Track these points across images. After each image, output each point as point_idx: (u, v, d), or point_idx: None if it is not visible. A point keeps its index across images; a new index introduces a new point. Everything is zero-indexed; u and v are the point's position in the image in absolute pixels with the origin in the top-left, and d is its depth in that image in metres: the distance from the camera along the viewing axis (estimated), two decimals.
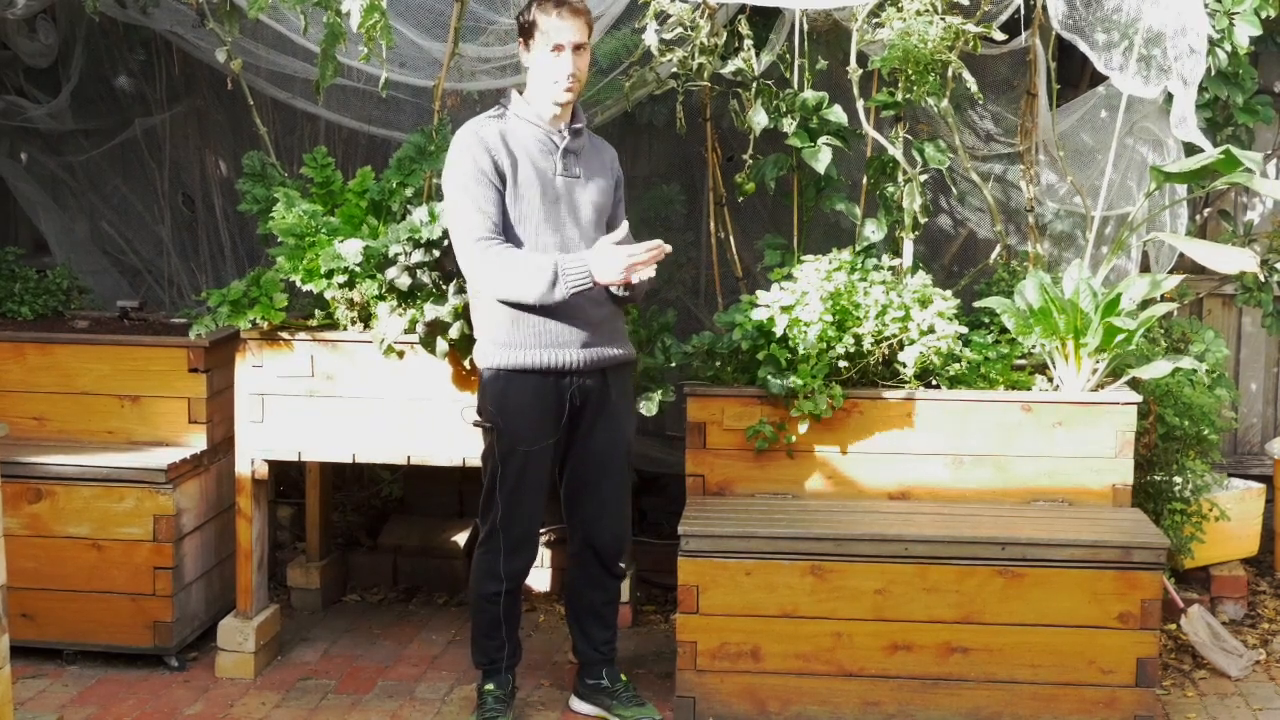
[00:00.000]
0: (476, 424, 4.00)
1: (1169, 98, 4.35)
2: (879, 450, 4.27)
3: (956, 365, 4.27)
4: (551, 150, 3.93)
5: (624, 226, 3.97)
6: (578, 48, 3.88)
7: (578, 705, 4.23)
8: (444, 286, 4.17)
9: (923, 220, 4.56)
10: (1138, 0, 4.28)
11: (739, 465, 4.31)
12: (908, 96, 4.39)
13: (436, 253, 4.13)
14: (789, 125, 4.50)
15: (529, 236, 3.88)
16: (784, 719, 4.06)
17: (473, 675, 4.32)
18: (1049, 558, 3.95)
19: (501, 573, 3.99)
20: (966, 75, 4.32)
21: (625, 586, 4.60)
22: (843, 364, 4.22)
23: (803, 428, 4.25)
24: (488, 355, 3.94)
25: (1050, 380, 4.34)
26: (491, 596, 4.01)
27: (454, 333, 4.13)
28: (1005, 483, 4.25)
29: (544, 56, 3.87)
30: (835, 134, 4.50)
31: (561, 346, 3.90)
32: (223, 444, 4.65)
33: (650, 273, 3.85)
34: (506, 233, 3.88)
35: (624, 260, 3.79)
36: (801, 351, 4.17)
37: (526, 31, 3.89)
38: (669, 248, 3.85)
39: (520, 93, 3.99)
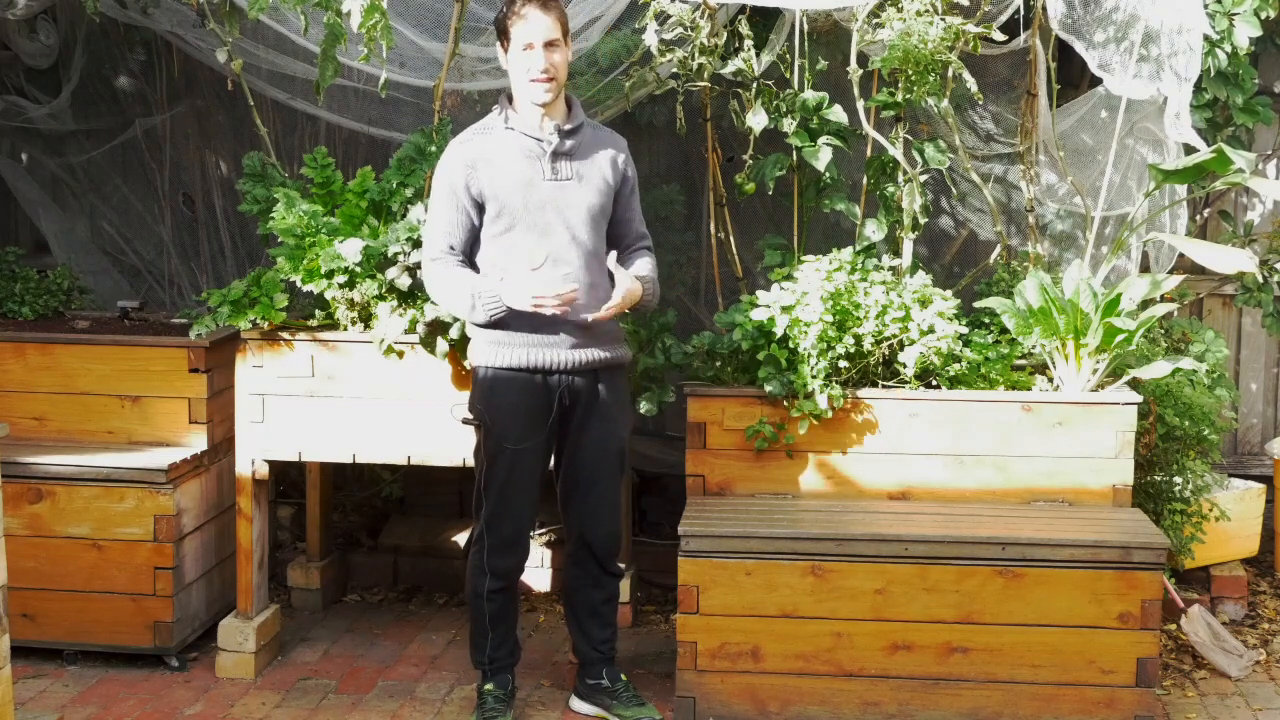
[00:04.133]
0: (465, 421, 4.01)
1: (1168, 98, 4.35)
2: (879, 450, 4.28)
3: (957, 365, 4.27)
4: (539, 155, 3.92)
5: (612, 257, 3.96)
6: (549, 44, 3.87)
7: (578, 705, 4.23)
8: None
9: (923, 220, 4.56)
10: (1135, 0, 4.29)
11: (739, 465, 4.31)
12: (908, 96, 4.39)
13: None
14: (789, 125, 4.50)
15: (517, 242, 3.90)
16: (784, 719, 4.06)
17: (473, 675, 4.32)
18: (1049, 558, 3.95)
19: (492, 569, 4.00)
20: (966, 75, 4.32)
21: (625, 586, 4.61)
22: (843, 364, 4.22)
23: (803, 428, 4.25)
24: (479, 353, 3.97)
25: (1050, 380, 4.34)
26: (485, 594, 4.02)
27: (454, 333, 4.13)
28: (1005, 483, 4.26)
29: (518, 56, 3.89)
30: (835, 134, 4.51)
31: (550, 346, 3.91)
32: (223, 444, 4.65)
33: (557, 306, 3.83)
34: (493, 242, 3.92)
35: (529, 297, 3.81)
36: (801, 351, 4.17)
37: (502, 33, 3.91)
38: (572, 295, 3.82)
39: (510, 99, 4.00)
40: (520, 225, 3.89)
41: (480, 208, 3.92)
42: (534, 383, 3.93)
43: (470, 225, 3.94)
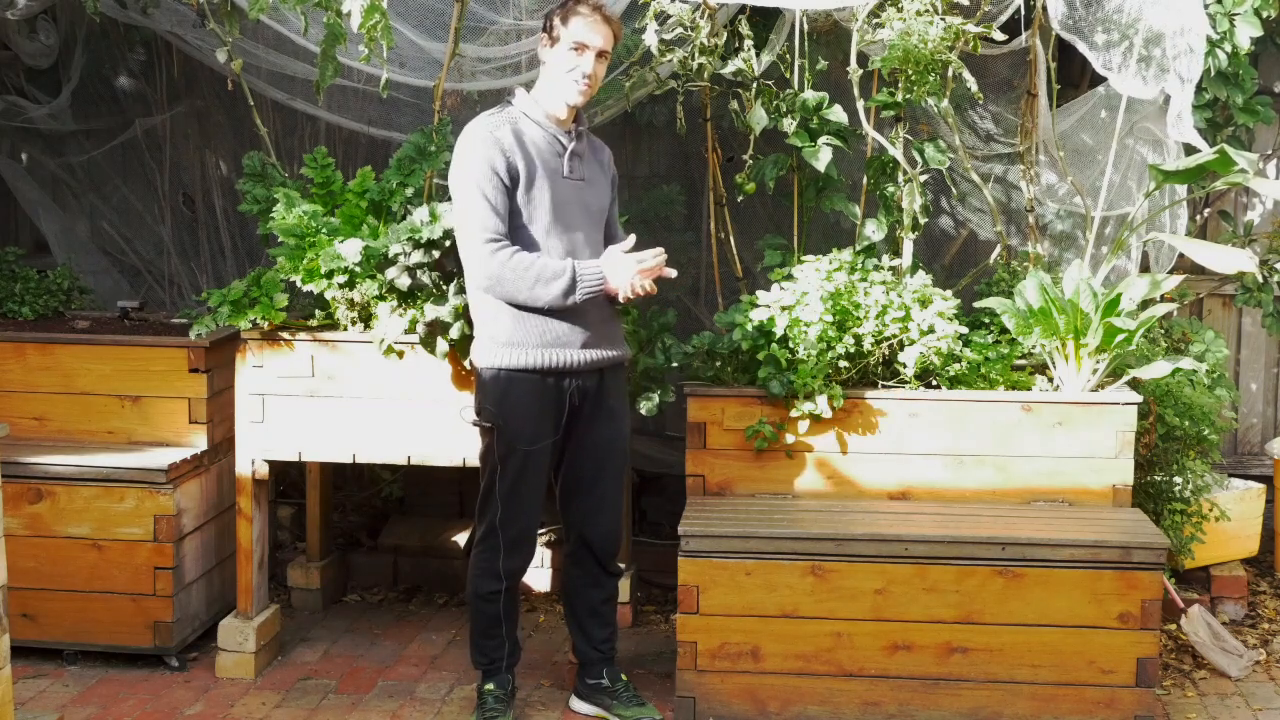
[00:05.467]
0: (475, 424, 4.00)
1: (1170, 98, 4.35)
2: (879, 450, 4.28)
3: (956, 365, 4.27)
4: (559, 152, 3.94)
5: (630, 239, 3.99)
6: (600, 54, 3.90)
7: (578, 705, 4.23)
8: (444, 286, 4.17)
9: (923, 220, 4.56)
10: (1138, 0, 4.29)
11: (739, 465, 4.31)
12: (908, 96, 4.39)
13: (436, 253, 4.13)
14: (789, 125, 4.50)
15: (540, 237, 3.89)
16: (784, 719, 4.06)
17: (473, 675, 4.32)
18: (1049, 558, 3.95)
19: (499, 571, 3.99)
20: (966, 75, 4.32)
21: (625, 586, 4.61)
22: (843, 364, 4.22)
23: (803, 428, 4.25)
24: (488, 355, 3.94)
25: (1050, 380, 4.34)
26: (489, 595, 4.02)
27: (454, 333, 4.13)
28: (1005, 483, 4.26)
29: (565, 54, 3.88)
30: (835, 134, 4.51)
31: (563, 347, 3.90)
32: (223, 444, 4.65)
33: (650, 284, 3.95)
34: (515, 234, 3.89)
35: (634, 267, 3.87)
36: (801, 351, 4.17)
37: (551, 27, 3.91)
38: (664, 256, 3.95)
39: (527, 91, 4.00)
40: (543, 220, 3.89)
41: (513, 191, 3.89)
42: (546, 384, 3.92)
43: (511, 205, 3.88)
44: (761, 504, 4.26)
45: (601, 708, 4.17)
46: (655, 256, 3.91)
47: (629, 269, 3.88)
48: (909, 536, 3.98)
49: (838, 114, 4.51)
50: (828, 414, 4.19)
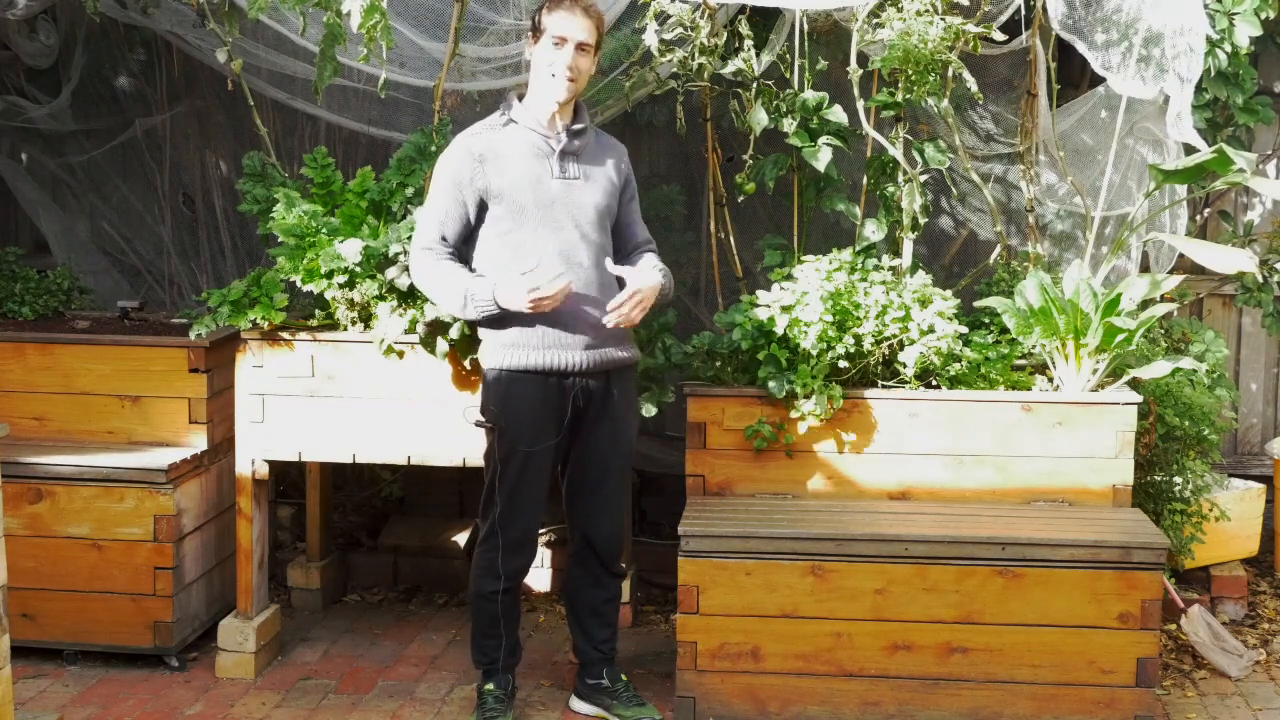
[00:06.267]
0: (479, 424, 4.00)
1: (1169, 98, 4.35)
2: (879, 450, 4.28)
3: (957, 365, 4.27)
4: (548, 153, 3.93)
5: (608, 262, 3.96)
6: (580, 46, 3.89)
7: (578, 705, 4.23)
8: None
9: (923, 220, 4.56)
10: (1138, 0, 4.29)
11: (739, 465, 4.31)
12: (908, 96, 4.39)
13: None
14: (789, 125, 4.50)
15: (528, 238, 3.89)
16: (784, 719, 4.06)
17: (473, 675, 4.32)
18: (1049, 558, 3.95)
19: (500, 571, 3.99)
20: (966, 75, 4.32)
21: (625, 586, 4.61)
22: (843, 364, 4.22)
23: (803, 428, 4.25)
24: (492, 355, 3.94)
25: (1050, 380, 4.34)
26: (490, 595, 4.02)
27: (454, 333, 4.13)
28: (1005, 483, 4.26)
29: (545, 50, 3.89)
30: (835, 134, 4.50)
31: (565, 348, 3.90)
32: (223, 444, 4.65)
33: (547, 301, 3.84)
34: (503, 238, 3.91)
35: (524, 294, 3.79)
36: (801, 351, 4.17)
37: (535, 26, 3.92)
38: (570, 287, 3.83)
39: (520, 98, 4.00)
40: (530, 223, 3.90)
41: (482, 204, 3.92)
42: (549, 384, 3.92)
43: (466, 220, 3.94)
44: (761, 504, 4.26)
45: (601, 708, 4.17)
46: (553, 283, 3.78)
47: (520, 292, 3.79)
48: (909, 536, 3.98)
49: (838, 114, 4.51)
50: (828, 414, 4.19)
